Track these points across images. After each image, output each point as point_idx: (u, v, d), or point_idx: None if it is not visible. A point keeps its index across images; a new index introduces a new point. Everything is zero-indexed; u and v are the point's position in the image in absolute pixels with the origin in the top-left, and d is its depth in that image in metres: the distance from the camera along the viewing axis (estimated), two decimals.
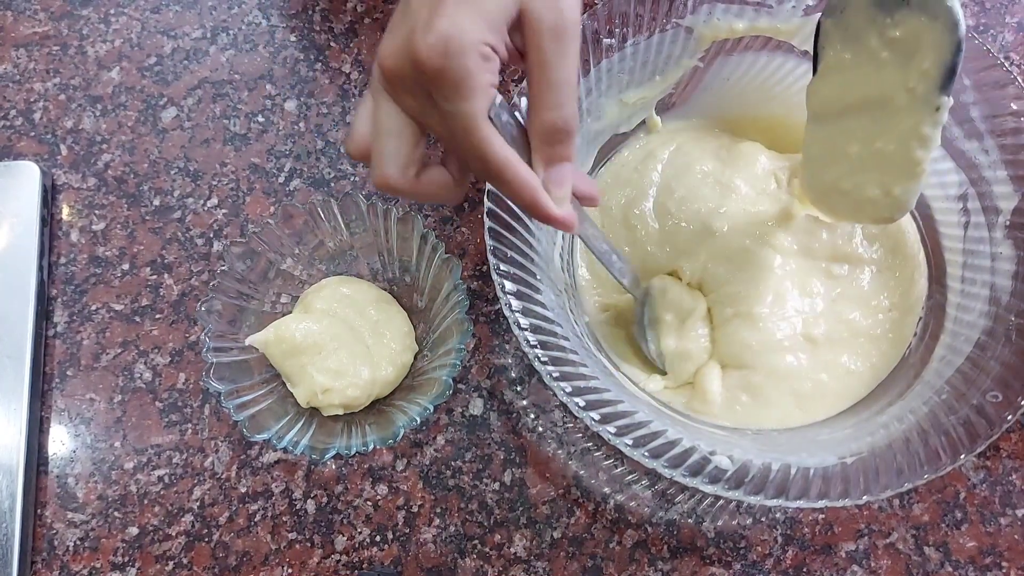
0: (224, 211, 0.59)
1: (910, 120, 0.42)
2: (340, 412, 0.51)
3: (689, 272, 0.51)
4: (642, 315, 0.51)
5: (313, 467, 0.53)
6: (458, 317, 0.50)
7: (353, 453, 0.48)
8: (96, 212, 0.59)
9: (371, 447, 0.48)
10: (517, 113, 0.37)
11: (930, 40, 0.40)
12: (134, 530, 0.52)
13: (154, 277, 0.58)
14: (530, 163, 0.37)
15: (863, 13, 0.42)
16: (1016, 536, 0.52)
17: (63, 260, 0.58)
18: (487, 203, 0.44)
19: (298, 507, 0.53)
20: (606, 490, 0.53)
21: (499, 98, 0.35)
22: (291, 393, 0.51)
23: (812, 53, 0.45)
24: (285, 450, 0.48)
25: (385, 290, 0.56)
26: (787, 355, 0.49)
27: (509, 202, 0.44)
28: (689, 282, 0.52)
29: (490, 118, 0.35)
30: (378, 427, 0.50)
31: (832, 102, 0.45)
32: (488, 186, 0.44)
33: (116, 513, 0.53)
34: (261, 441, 0.48)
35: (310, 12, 0.65)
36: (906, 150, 0.43)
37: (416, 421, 0.48)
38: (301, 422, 0.50)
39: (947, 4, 0.40)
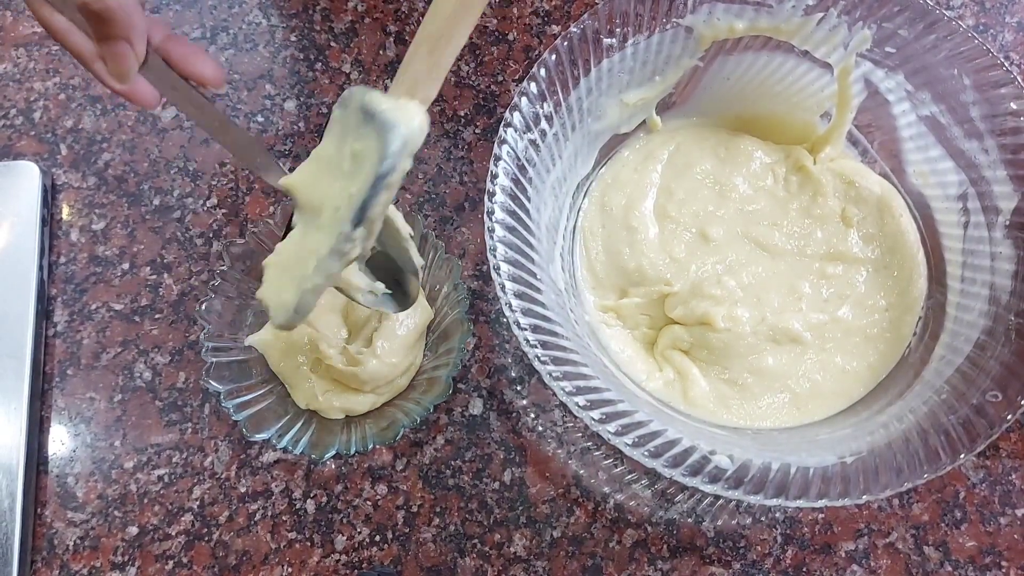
0: (224, 211, 0.59)
1: (320, 236, 0.38)
2: (341, 416, 0.51)
3: (679, 287, 0.51)
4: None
5: (313, 467, 0.53)
6: (458, 317, 0.50)
7: (353, 453, 0.48)
8: (96, 211, 0.59)
9: (371, 446, 0.48)
10: None
11: (367, 168, 0.36)
12: (134, 529, 0.52)
13: (154, 277, 0.58)
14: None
15: (355, 116, 0.37)
16: (1016, 536, 0.52)
17: (63, 260, 0.58)
18: (487, 203, 0.44)
19: (298, 507, 0.53)
20: (606, 489, 0.53)
21: None
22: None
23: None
24: (285, 450, 0.48)
25: None
26: (767, 356, 0.50)
27: (510, 202, 0.45)
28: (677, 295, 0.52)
29: None
30: (378, 427, 0.50)
31: (299, 187, 0.40)
32: (488, 186, 0.44)
33: (116, 512, 0.53)
34: (261, 441, 0.48)
35: (310, 12, 0.65)
36: (304, 261, 0.38)
37: (416, 421, 0.48)
38: (301, 421, 0.50)
39: (387, 137, 0.35)
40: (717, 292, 0.50)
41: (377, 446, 0.48)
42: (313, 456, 0.48)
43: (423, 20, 0.36)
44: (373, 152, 0.36)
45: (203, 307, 0.49)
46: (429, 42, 0.36)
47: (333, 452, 0.47)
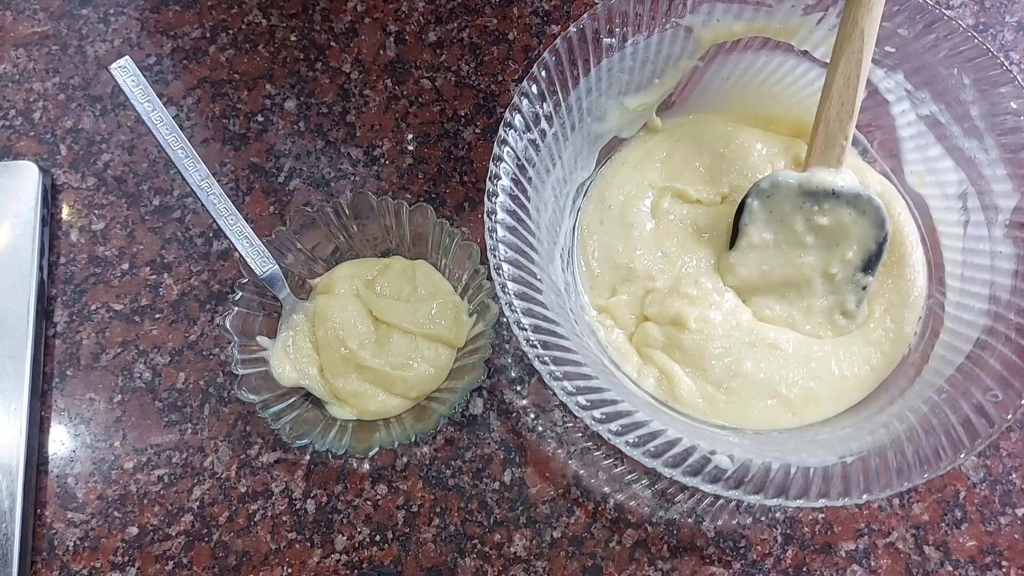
0: None
1: (830, 299, 0.49)
2: (378, 419, 0.51)
3: (660, 283, 0.51)
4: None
5: (313, 467, 0.53)
6: (483, 300, 0.50)
7: (396, 446, 0.48)
8: (96, 212, 0.59)
9: (413, 439, 0.48)
10: None
11: (856, 232, 0.48)
12: (134, 530, 0.52)
13: (153, 277, 0.58)
14: None
15: (791, 200, 0.48)
16: (1016, 535, 0.52)
17: (63, 260, 0.58)
18: (487, 203, 0.44)
19: (298, 507, 0.53)
20: (606, 489, 0.53)
21: None
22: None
23: (732, 227, 0.50)
24: (328, 452, 0.47)
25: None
26: (744, 361, 0.49)
27: (510, 202, 0.45)
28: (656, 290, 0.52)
29: None
30: (414, 418, 0.50)
31: (749, 278, 0.50)
32: (488, 186, 0.44)
33: (116, 513, 0.53)
34: (302, 446, 0.49)
35: (310, 12, 0.65)
36: (830, 321, 0.50)
37: (456, 408, 0.48)
38: (339, 423, 0.50)
39: (875, 203, 0.47)
40: (693, 292, 0.50)
41: (419, 436, 0.48)
42: (357, 455, 0.47)
43: (822, 101, 0.46)
44: (854, 218, 0.47)
45: (227, 322, 0.49)
46: (826, 119, 0.46)
47: (376, 449, 0.47)
